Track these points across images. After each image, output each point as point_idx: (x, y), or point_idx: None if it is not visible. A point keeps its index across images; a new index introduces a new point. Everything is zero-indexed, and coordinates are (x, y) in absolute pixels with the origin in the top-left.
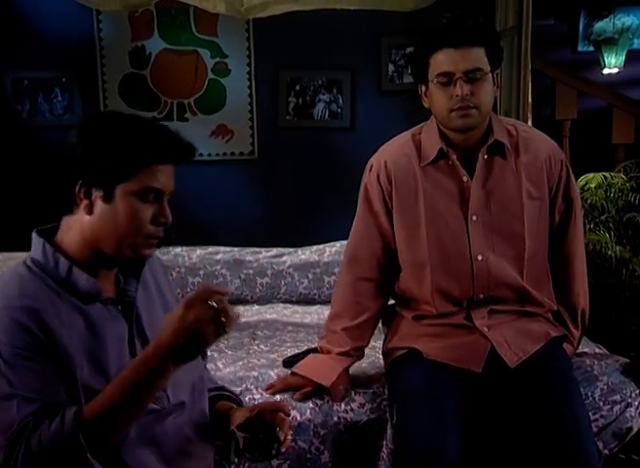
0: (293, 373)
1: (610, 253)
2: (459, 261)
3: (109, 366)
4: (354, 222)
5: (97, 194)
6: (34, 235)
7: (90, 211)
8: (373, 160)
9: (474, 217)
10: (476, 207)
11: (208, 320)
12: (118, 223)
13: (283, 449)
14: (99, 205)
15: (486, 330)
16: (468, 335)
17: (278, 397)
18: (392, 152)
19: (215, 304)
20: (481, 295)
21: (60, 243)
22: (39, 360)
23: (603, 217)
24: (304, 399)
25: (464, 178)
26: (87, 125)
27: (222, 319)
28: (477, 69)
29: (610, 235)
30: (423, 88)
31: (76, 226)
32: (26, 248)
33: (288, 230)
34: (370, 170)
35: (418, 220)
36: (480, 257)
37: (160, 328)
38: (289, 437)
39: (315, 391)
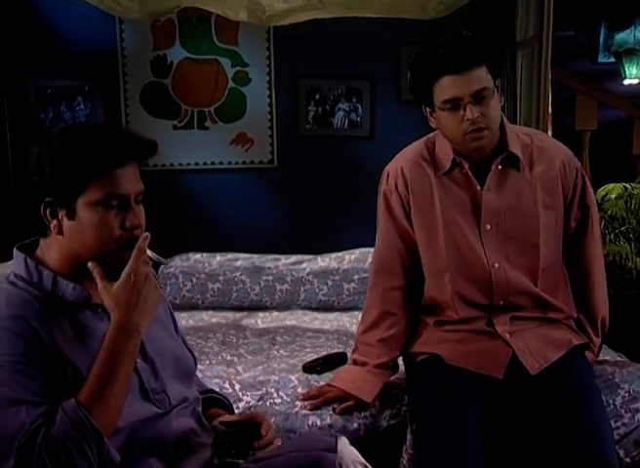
0: (329, 385)
1: (630, 264)
2: (477, 269)
3: None
4: (378, 233)
5: (62, 213)
6: (15, 251)
7: (60, 231)
8: (389, 168)
9: (487, 227)
10: (489, 216)
11: (150, 277)
12: (86, 237)
13: (259, 453)
14: (65, 223)
15: (508, 336)
16: (490, 342)
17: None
18: (408, 159)
19: (149, 261)
20: (501, 302)
21: (41, 258)
22: (37, 365)
23: (623, 229)
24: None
25: (477, 188)
26: (40, 144)
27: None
28: (483, 89)
29: (630, 246)
30: (428, 109)
31: (54, 246)
32: None
33: (307, 238)
34: (387, 178)
35: (435, 227)
36: (497, 265)
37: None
38: (273, 446)
39: (356, 405)
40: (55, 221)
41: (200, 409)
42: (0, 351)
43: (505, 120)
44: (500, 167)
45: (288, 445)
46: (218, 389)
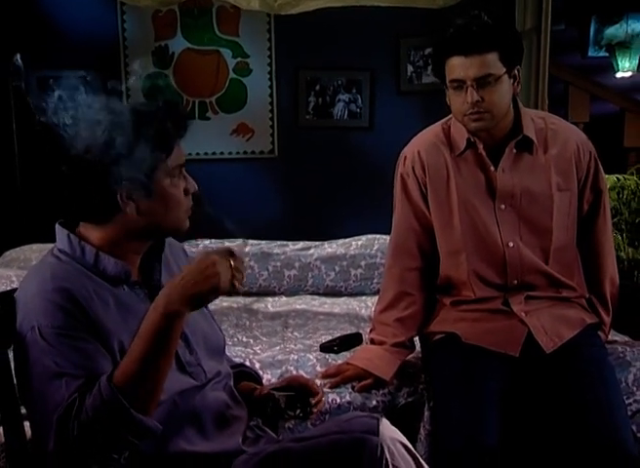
0: (348, 364)
1: (622, 254)
2: (492, 248)
3: None
4: (394, 215)
5: (138, 194)
6: (58, 227)
7: (137, 211)
8: (406, 151)
9: (502, 206)
10: (504, 196)
11: (223, 268)
12: (162, 209)
13: (316, 410)
14: (143, 203)
15: (523, 315)
16: (506, 321)
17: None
18: (425, 142)
19: (232, 262)
20: (515, 281)
21: (83, 233)
22: (80, 337)
23: (616, 219)
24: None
25: (491, 169)
26: (104, 131)
27: (236, 276)
28: (488, 75)
29: (622, 237)
30: (445, 86)
31: (112, 225)
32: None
33: (306, 227)
34: (404, 161)
35: (451, 209)
36: (511, 244)
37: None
38: (323, 399)
39: (374, 383)
40: (131, 203)
41: (232, 383)
42: (44, 323)
43: (521, 104)
44: (514, 150)
45: (330, 425)
46: None
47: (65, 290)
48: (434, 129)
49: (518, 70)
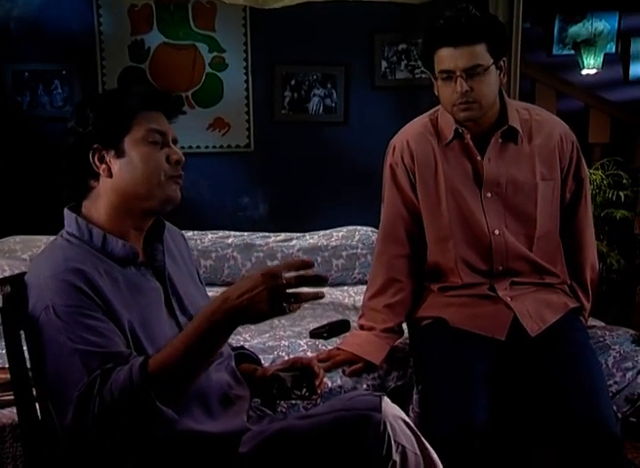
0: (338, 349)
1: None
2: (478, 235)
3: (152, 320)
4: (384, 203)
5: (109, 155)
6: (66, 211)
7: (109, 173)
8: (395, 141)
9: (488, 195)
10: (490, 185)
11: (273, 292)
12: (137, 171)
13: (320, 390)
14: (114, 163)
15: (509, 300)
16: (492, 305)
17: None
18: (413, 132)
19: (290, 281)
20: (500, 268)
21: (89, 216)
22: (94, 316)
23: None
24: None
25: (478, 158)
26: (78, 105)
27: (290, 296)
28: (476, 66)
29: None
30: (433, 77)
31: (102, 196)
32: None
33: (282, 221)
34: (393, 151)
35: (438, 197)
36: (497, 231)
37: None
38: (325, 379)
39: (365, 367)
40: (104, 166)
41: (234, 364)
42: (59, 302)
43: (506, 96)
44: (500, 140)
45: (334, 403)
46: None
47: (79, 270)
48: (422, 120)
49: (504, 62)
